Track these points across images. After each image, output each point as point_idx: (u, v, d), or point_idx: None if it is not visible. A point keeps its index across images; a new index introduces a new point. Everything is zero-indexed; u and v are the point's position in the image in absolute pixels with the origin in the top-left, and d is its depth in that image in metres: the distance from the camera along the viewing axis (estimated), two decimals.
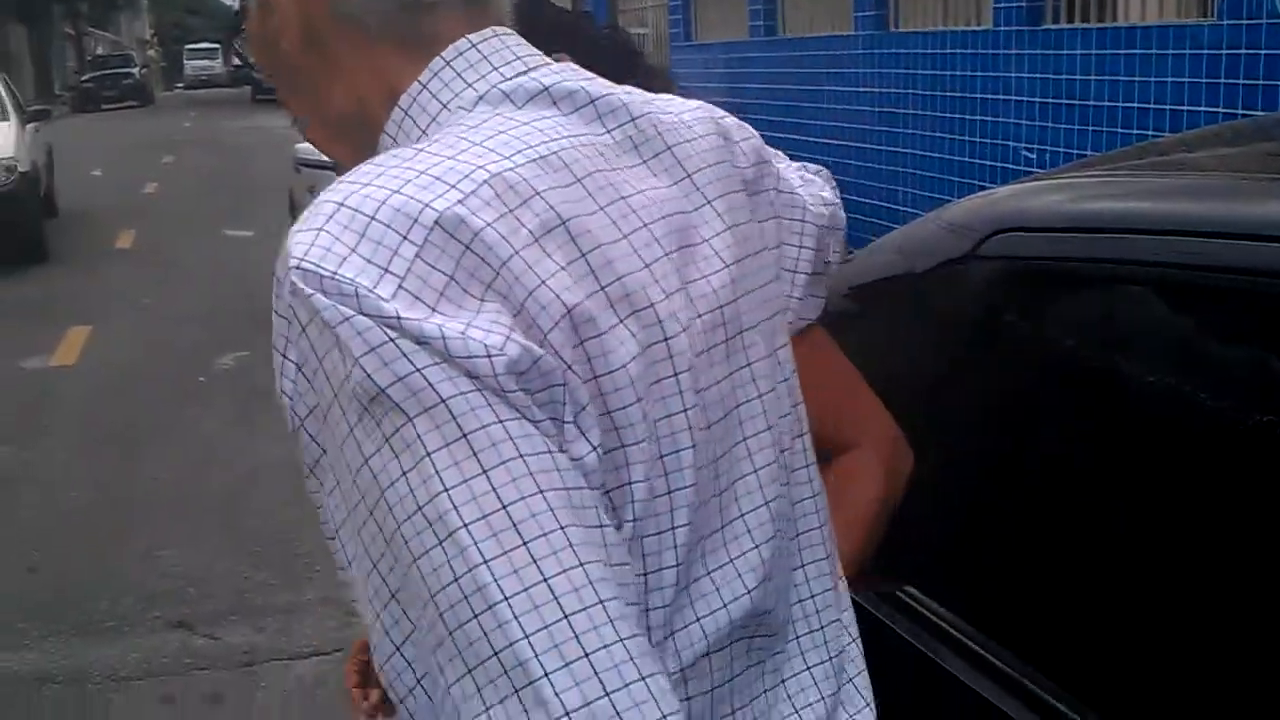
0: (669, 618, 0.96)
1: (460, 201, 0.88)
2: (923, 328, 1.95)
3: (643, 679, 0.82)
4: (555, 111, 1.00)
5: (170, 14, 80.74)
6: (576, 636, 0.80)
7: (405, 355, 0.82)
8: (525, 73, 1.02)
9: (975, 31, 8.59)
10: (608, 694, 0.80)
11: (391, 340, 0.82)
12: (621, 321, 0.92)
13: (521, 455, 0.83)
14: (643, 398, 0.92)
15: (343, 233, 0.86)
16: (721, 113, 1.18)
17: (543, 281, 0.88)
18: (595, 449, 0.88)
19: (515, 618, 0.79)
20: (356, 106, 1.05)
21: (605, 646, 0.81)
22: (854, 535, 1.38)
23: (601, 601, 0.82)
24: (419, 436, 0.82)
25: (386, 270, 0.84)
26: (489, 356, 0.83)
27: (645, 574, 0.94)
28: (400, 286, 0.84)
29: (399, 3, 1.01)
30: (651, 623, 0.94)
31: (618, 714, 0.80)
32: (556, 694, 0.79)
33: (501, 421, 0.83)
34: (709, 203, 1.06)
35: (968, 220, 1.91)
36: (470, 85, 1.01)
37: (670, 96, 1.15)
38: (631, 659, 0.82)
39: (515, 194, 0.91)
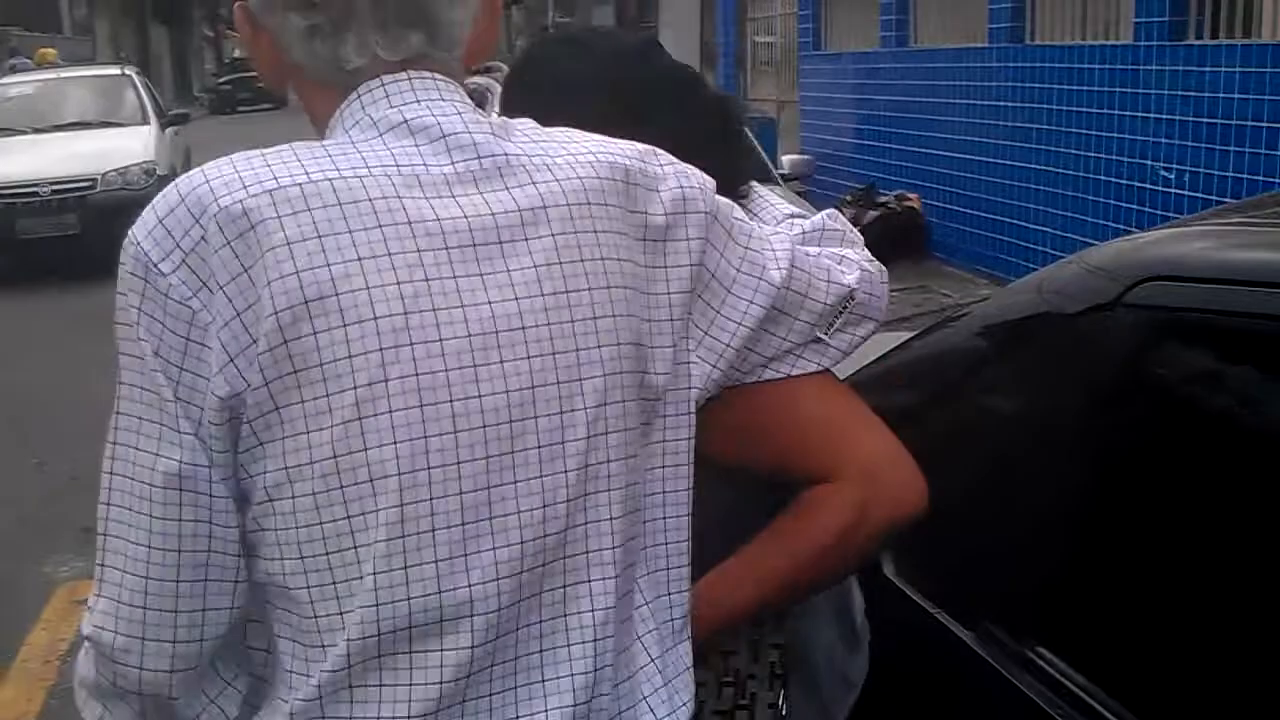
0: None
1: (241, 201, 1.11)
2: (1064, 372, 1.89)
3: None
4: (409, 142, 1.18)
5: None
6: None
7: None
8: (400, 105, 1.19)
9: (1114, 46, 8.38)
10: None
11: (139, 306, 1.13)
12: (323, 331, 1.10)
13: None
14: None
15: (162, 210, 1.13)
16: (647, 163, 1.27)
17: (269, 281, 1.10)
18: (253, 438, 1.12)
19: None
20: (316, 122, 1.28)
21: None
22: (797, 561, 1.41)
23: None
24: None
25: (177, 245, 1.12)
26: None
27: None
28: (184, 261, 1.11)
29: (332, 65, 1.21)
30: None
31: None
32: None
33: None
34: (537, 239, 1.18)
35: (1115, 265, 1.85)
36: (365, 114, 1.20)
37: (575, 139, 1.26)
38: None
39: (289, 204, 1.11)
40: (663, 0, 21.56)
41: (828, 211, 1.57)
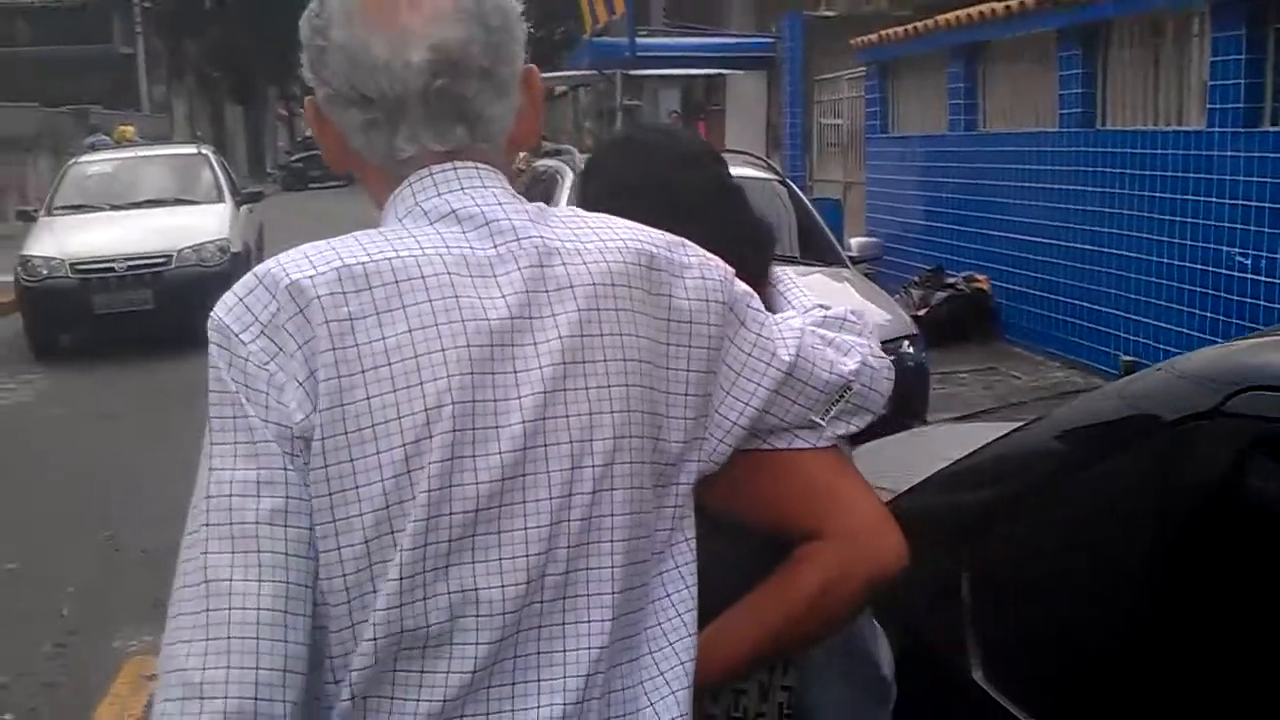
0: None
1: (310, 276, 1.27)
2: (1161, 481, 1.85)
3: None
4: (457, 229, 1.34)
5: None
6: None
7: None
8: (447, 194, 1.36)
9: (1189, 132, 8.34)
10: None
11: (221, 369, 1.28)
12: (375, 396, 1.25)
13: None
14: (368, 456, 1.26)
15: (242, 291, 1.29)
16: (674, 252, 1.42)
17: (334, 348, 1.26)
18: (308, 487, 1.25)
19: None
20: (375, 201, 1.44)
21: None
22: (785, 615, 1.54)
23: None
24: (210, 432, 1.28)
25: (255, 319, 1.27)
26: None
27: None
28: (262, 332, 1.27)
29: (386, 154, 1.38)
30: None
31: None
32: None
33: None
34: (564, 314, 1.33)
35: (1211, 373, 1.82)
36: (417, 203, 1.36)
37: (609, 226, 1.42)
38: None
39: (353, 281, 1.27)
40: (729, 83, 21.76)
41: (849, 309, 1.67)
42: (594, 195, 1.80)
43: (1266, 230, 7.45)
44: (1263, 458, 1.69)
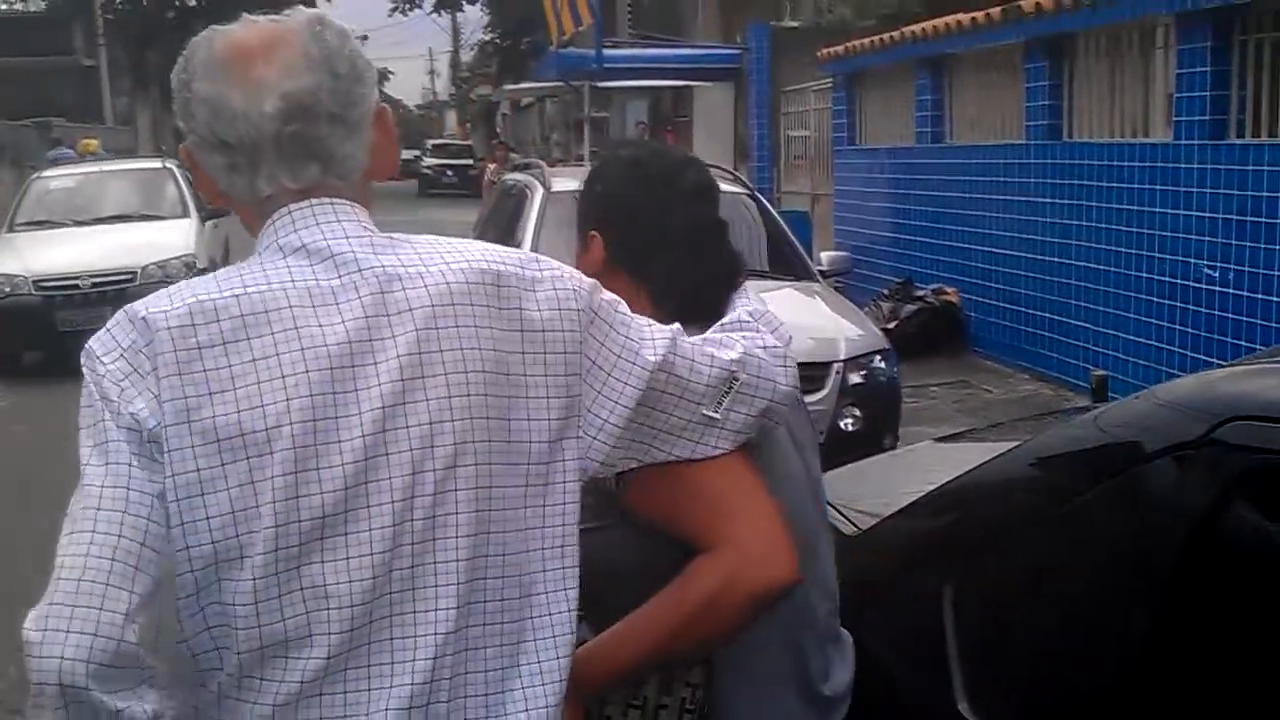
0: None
1: (165, 312, 1.46)
2: (1146, 511, 1.83)
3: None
4: (305, 262, 1.50)
5: None
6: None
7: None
8: (301, 230, 1.51)
9: (1155, 144, 8.37)
10: None
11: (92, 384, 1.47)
12: (221, 416, 1.42)
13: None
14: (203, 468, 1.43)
15: (111, 324, 1.49)
16: (525, 268, 1.56)
17: (180, 374, 1.44)
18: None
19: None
20: (253, 235, 1.59)
21: None
22: (672, 622, 1.65)
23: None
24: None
25: (117, 344, 1.47)
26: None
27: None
28: (121, 355, 1.46)
29: (249, 194, 1.55)
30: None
31: None
32: None
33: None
34: (403, 334, 1.47)
35: (1196, 402, 1.80)
36: (276, 239, 1.53)
37: (458, 249, 1.55)
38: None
39: (203, 315, 1.45)
40: (696, 94, 21.78)
41: (749, 308, 1.80)
42: (588, 211, 1.94)
43: (1234, 243, 7.49)
44: (1252, 488, 1.67)
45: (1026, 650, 2.00)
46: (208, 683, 1.49)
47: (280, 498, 1.42)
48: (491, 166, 20.96)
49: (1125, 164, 8.62)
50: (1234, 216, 7.49)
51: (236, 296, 1.46)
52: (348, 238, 1.52)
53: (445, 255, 1.54)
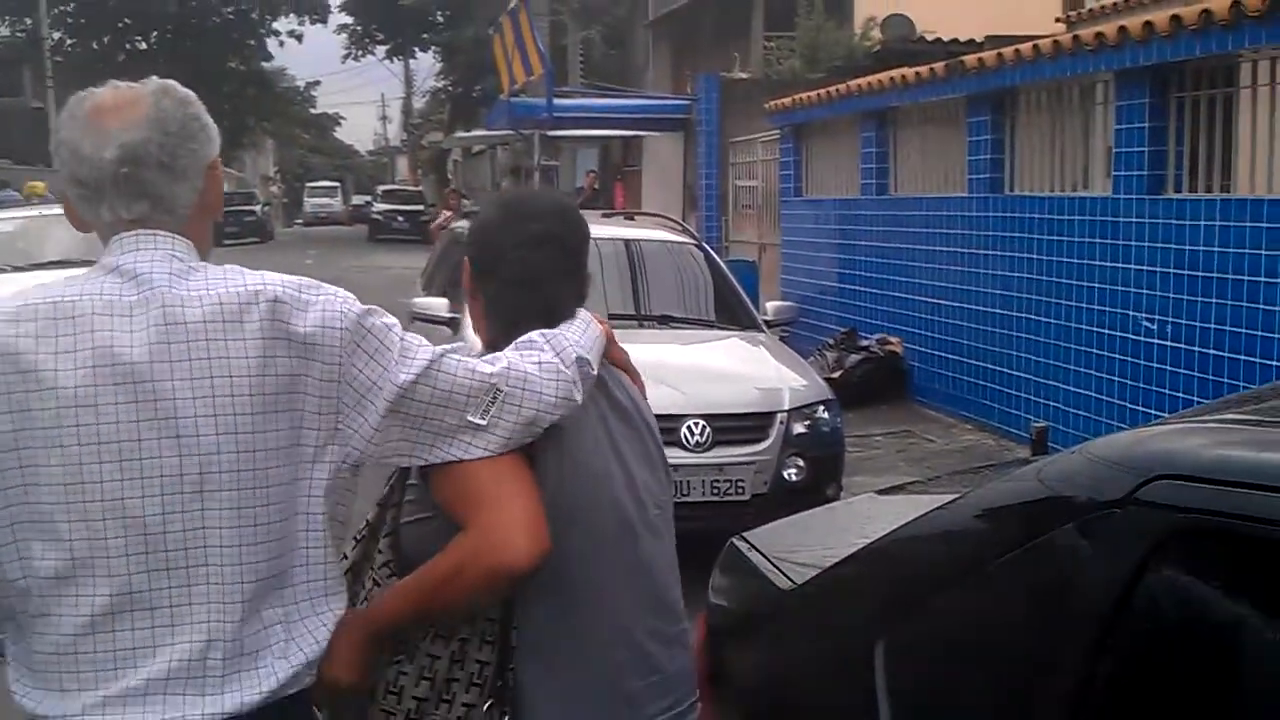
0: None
1: (3, 308, 1.84)
2: (1073, 568, 1.83)
3: None
4: (117, 280, 1.87)
5: (294, 152, 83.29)
6: None
7: None
8: (121, 254, 1.89)
9: (1095, 198, 8.49)
10: None
11: None
12: (33, 393, 1.80)
13: None
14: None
15: None
16: (302, 292, 1.90)
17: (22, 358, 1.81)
18: None
19: None
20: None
21: None
22: (425, 586, 2.00)
23: None
24: None
25: None
26: None
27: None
28: None
29: (96, 220, 1.93)
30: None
31: None
32: None
33: None
34: (178, 344, 1.82)
35: (1124, 459, 1.81)
36: (107, 259, 1.90)
37: (242, 277, 1.89)
38: None
39: (21, 313, 1.83)
40: (646, 144, 21.89)
41: (539, 334, 2.12)
42: (468, 237, 2.33)
43: (1172, 296, 7.59)
44: (1174, 548, 1.68)
45: (959, 712, 1.99)
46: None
47: (71, 461, 1.80)
48: (445, 214, 20.95)
49: (1066, 217, 8.74)
50: (1171, 270, 7.59)
51: (53, 302, 1.84)
52: (154, 262, 1.88)
53: (228, 282, 1.88)
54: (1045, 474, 2.04)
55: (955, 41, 16.93)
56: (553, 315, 2.19)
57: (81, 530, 1.81)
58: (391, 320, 1.96)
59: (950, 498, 2.41)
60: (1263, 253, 6.85)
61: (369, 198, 48.78)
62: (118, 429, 1.80)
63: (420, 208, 43.55)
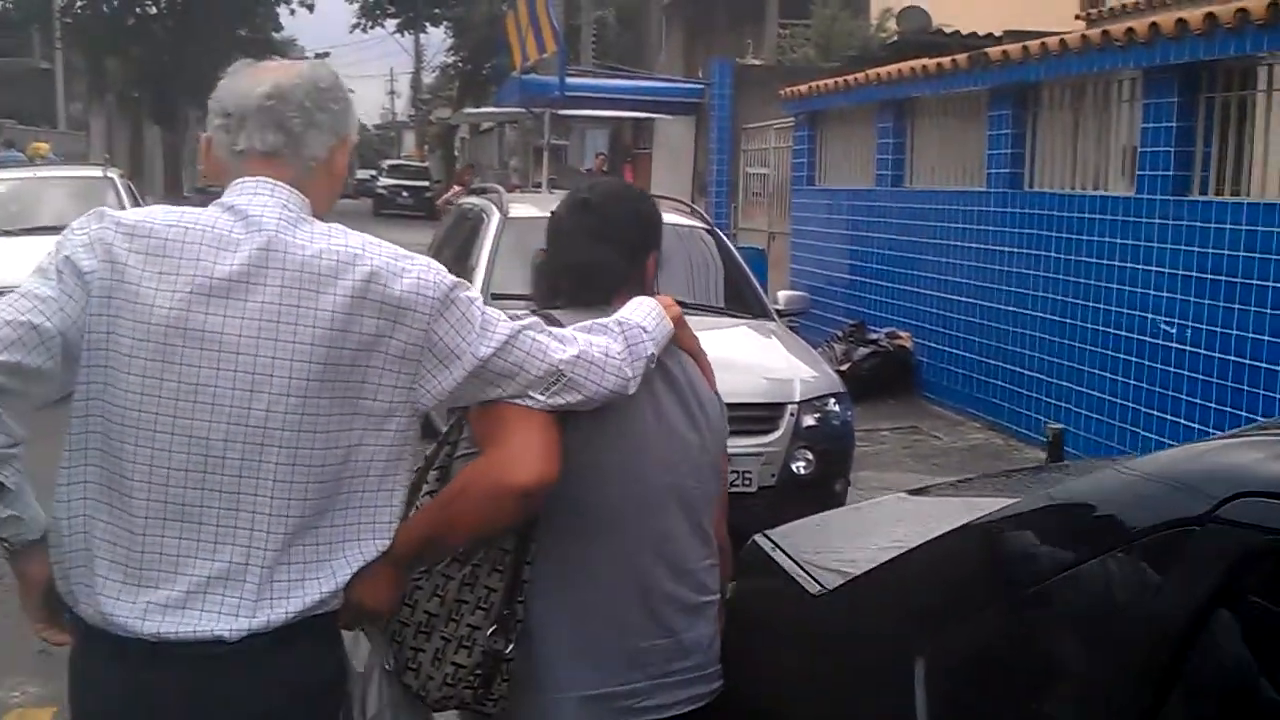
0: None
1: (114, 226, 2.03)
2: (1136, 591, 1.70)
3: None
4: (230, 216, 2.03)
5: None
6: None
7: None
8: (238, 196, 2.05)
9: (1117, 197, 8.34)
10: None
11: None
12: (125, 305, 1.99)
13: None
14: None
15: (92, 214, 2.09)
16: (396, 259, 2.05)
17: (113, 270, 2.01)
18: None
19: None
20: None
21: None
22: (421, 511, 2.20)
23: None
24: None
25: (86, 235, 2.04)
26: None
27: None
28: (85, 244, 2.03)
29: (228, 150, 2.11)
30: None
31: None
32: None
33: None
34: (271, 285, 1.98)
35: (1194, 477, 1.67)
36: (225, 197, 2.06)
37: (349, 239, 2.04)
38: None
39: (134, 230, 2.02)
40: (657, 127, 21.71)
41: (621, 317, 2.26)
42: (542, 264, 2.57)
43: (1193, 300, 7.45)
44: (1261, 569, 1.54)
45: None
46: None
47: (150, 373, 1.97)
48: (455, 189, 20.73)
49: (1086, 215, 8.59)
50: (1194, 273, 7.44)
51: (167, 224, 2.01)
52: (265, 208, 2.02)
53: (331, 240, 2.02)
54: (1087, 490, 1.90)
55: (974, 35, 16.71)
56: (590, 289, 2.42)
57: (146, 441, 1.96)
58: (475, 294, 2.10)
59: (986, 503, 2.27)
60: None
61: (374, 172, 48.46)
62: (201, 354, 1.95)
63: (426, 183, 43.34)
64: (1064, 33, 9.23)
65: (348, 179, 2.38)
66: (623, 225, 2.46)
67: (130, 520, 1.97)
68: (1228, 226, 7.17)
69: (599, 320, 2.23)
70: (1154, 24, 7.61)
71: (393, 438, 2.05)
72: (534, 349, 2.08)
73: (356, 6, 49.22)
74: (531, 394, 2.08)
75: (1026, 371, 9.35)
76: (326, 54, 61.86)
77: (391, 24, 50.82)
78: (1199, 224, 7.42)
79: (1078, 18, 15.93)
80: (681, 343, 2.41)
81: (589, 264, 2.43)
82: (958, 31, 17.29)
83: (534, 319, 2.18)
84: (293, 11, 48.56)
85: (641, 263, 2.47)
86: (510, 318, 2.12)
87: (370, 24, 50.11)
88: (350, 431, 2.01)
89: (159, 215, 2.03)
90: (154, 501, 1.96)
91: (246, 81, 2.09)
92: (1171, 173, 7.69)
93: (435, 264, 2.08)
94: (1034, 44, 9.01)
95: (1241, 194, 7.40)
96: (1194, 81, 7.61)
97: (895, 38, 18.30)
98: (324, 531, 2.02)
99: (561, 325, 2.22)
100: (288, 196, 2.05)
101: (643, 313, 2.28)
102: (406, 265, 2.03)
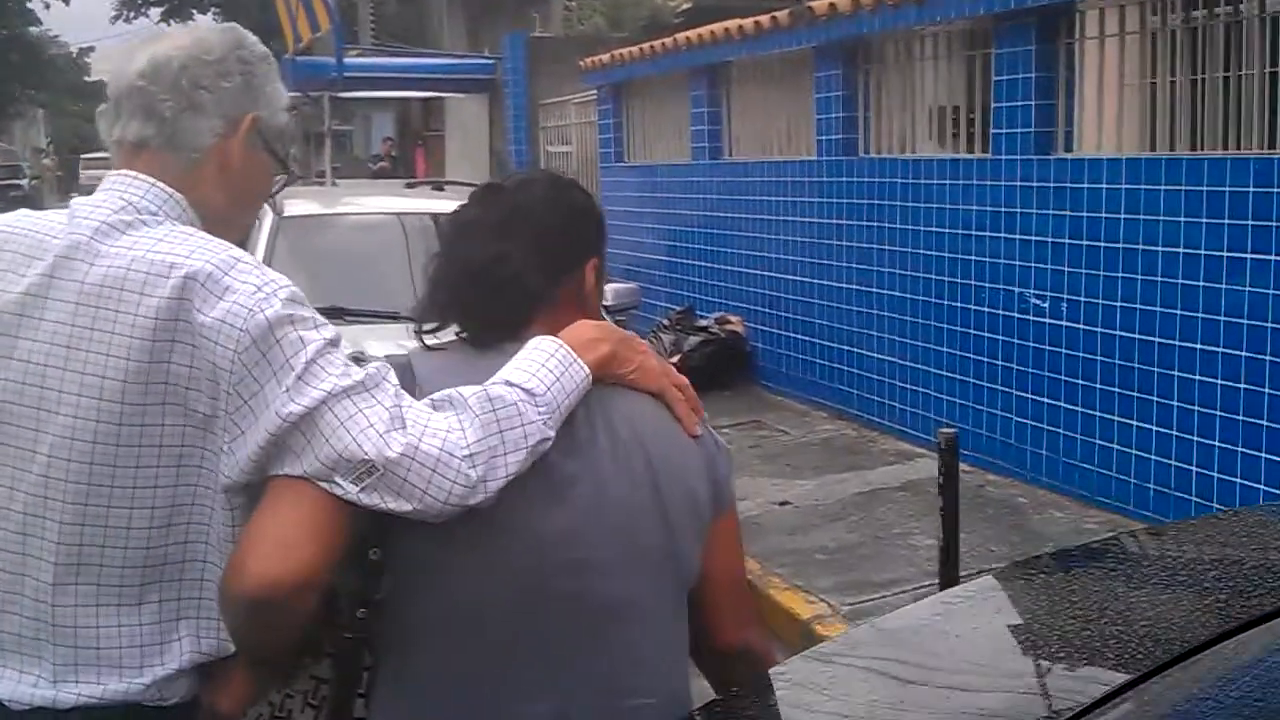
0: None
1: None
2: None
3: None
4: (63, 218, 1.77)
5: (68, 122, 78.97)
6: None
7: None
8: (88, 196, 1.80)
9: (971, 159, 7.53)
10: None
11: None
12: None
13: None
14: None
15: None
16: (225, 272, 1.67)
17: None
18: None
19: None
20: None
21: None
22: None
23: None
24: None
25: None
26: None
27: None
28: None
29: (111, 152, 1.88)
30: None
31: None
32: None
33: None
34: (57, 301, 1.70)
35: None
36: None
37: (164, 243, 1.71)
38: None
39: None
40: (448, 106, 20.53)
41: (502, 388, 1.70)
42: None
43: (1066, 269, 6.69)
44: None
45: None
46: None
47: None
48: None
49: (937, 181, 7.77)
50: (1066, 240, 6.68)
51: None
52: (96, 207, 1.74)
53: (156, 248, 1.69)
54: None
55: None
56: (493, 308, 1.85)
57: None
58: (315, 332, 1.67)
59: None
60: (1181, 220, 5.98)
61: None
62: None
63: None
64: None
65: (266, 171, 1.85)
66: (542, 218, 1.88)
67: None
68: (1104, 186, 6.42)
69: (456, 391, 1.70)
70: None
71: (236, 511, 1.71)
72: (349, 422, 1.63)
73: None
74: (337, 479, 1.61)
75: (875, 354, 8.53)
76: (90, 49, 58.76)
77: (156, 13, 48.27)
78: (1068, 185, 6.66)
79: None
80: (640, 380, 1.83)
81: (490, 267, 1.83)
82: None
83: (376, 372, 1.69)
84: (48, 5, 45.75)
85: (572, 272, 1.89)
86: (348, 366, 1.67)
87: (133, 14, 47.53)
88: (167, 489, 1.69)
89: (4, 219, 1.79)
90: None
91: (128, 57, 1.80)
92: (1033, 130, 6.91)
93: (273, 282, 1.68)
94: None
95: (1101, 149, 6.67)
96: (1052, 28, 6.84)
97: (688, 4, 17.64)
98: (147, 609, 1.72)
99: (415, 372, 1.80)
100: (144, 194, 1.76)
101: (535, 364, 1.73)
102: (233, 281, 1.67)
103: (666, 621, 1.86)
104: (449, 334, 1.92)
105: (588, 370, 1.76)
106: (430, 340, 1.90)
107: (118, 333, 1.66)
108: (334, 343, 1.68)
